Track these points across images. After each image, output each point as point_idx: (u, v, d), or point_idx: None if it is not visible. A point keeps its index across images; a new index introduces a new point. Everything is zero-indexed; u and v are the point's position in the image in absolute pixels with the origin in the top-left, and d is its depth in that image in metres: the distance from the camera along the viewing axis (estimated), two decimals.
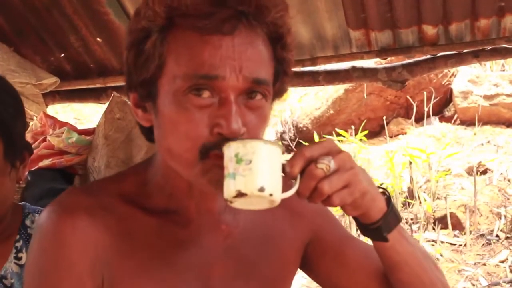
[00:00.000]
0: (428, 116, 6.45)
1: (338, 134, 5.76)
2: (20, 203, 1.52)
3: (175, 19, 0.99)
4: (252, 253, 1.14)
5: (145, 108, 1.06)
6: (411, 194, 5.06)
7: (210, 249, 1.10)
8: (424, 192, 5.05)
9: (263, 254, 1.15)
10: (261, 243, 1.15)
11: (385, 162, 5.40)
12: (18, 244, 1.43)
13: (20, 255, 1.43)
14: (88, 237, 1.01)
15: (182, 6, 0.98)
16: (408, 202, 5.07)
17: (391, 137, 6.38)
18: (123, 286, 1.02)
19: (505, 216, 4.77)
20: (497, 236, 4.67)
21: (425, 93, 6.42)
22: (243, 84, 0.98)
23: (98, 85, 2.98)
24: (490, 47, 2.60)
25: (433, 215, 4.86)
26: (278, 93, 1.09)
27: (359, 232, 1.10)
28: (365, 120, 6.27)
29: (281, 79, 1.07)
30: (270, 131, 6.89)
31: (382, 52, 2.69)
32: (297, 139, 6.62)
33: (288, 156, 0.97)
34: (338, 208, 0.99)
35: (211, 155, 0.98)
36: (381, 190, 1.06)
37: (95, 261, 1.01)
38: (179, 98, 0.98)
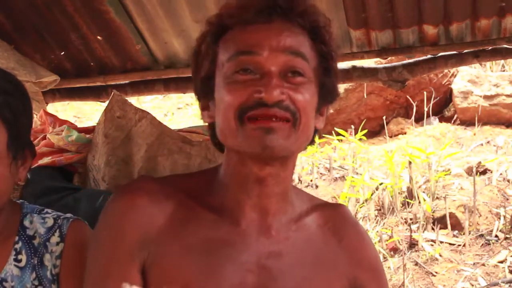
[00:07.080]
0: (428, 116, 6.44)
1: (338, 134, 5.76)
2: (18, 201, 1.48)
3: (224, 21, 1.13)
4: (297, 268, 1.15)
5: (209, 107, 1.18)
6: (410, 194, 5.06)
7: (256, 250, 1.14)
8: (424, 192, 5.05)
9: (309, 274, 1.16)
10: (309, 264, 1.17)
11: (385, 161, 5.40)
12: (18, 246, 1.39)
13: (20, 257, 1.38)
14: (144, 214, 1.13)
15: (229, 9, 1.14)
16: (408, 202, 5.07)
17: (390, 136, 6.38)
18: (164, 262, 1.11)
19: (504, 217, 4.77)
20: (496, 236, 4.67)
21: (425, 93, 6.42)
22: (281, 57, 1.09)
23: (98, 84, 2.98)
24: (490, 48, 2.60)
25: (432, 215, 4.86)
26: (330, 92, 1.18)
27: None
28: (365, 120, 6.27)
29: (327, 74, 1.16)
30: None
31: (383, 51, 2.69)
32: None
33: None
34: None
35: (246, 118, 1.07)
36: None
37: (145, 235, 1.12)
38: (227, 79, 1.11)
